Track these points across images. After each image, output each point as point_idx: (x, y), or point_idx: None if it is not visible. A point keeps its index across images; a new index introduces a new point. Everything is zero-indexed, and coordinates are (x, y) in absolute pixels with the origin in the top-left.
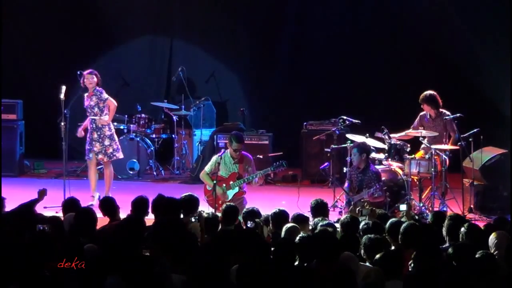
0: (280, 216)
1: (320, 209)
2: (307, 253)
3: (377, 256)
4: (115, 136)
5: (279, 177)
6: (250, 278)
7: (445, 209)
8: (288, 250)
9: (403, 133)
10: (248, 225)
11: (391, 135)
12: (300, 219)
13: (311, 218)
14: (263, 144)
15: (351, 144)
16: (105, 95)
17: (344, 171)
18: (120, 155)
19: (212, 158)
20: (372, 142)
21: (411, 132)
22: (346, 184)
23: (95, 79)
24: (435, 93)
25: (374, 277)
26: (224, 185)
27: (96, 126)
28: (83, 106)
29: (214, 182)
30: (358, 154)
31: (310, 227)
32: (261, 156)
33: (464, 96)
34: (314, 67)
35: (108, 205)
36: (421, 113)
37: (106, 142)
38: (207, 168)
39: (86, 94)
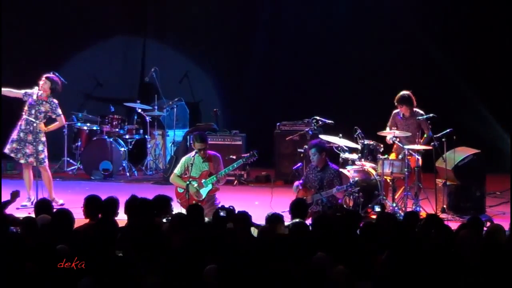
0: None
1: (299, 209)
2: (280, 253)
3: (347, 256)
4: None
5: (252, 178)
6: (225, 278)
7: (418, 209)
8: (262, 250)
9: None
10: (221, 214)
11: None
12: (274, 219)
13: (288, 219)
14: (236, 145)
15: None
16: (59, 111)
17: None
18: (46, 164)
19: (181, 160)
20: (345, 143)
21: (383, 132)
22: (298, 182)
23: (47, 85)
24: (410, 93)
25: (343, 278)
26: (196, 184)
27: (33, 129)
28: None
29: (187, 183)
30: (318, 154)
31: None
32: (234, 157)
33: (438, 96)
34: (288, 68)
35: (93, 205)
36: (394, 111)
37: (40, 148)
38: (177, 170)
39: (36, 93)
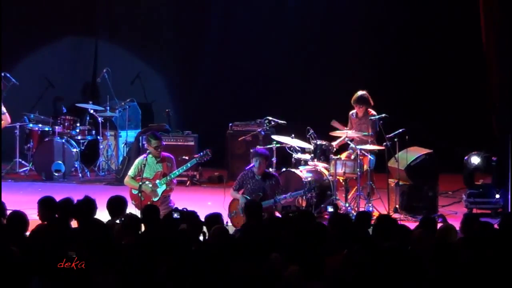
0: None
1: (253, 210)
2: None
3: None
4: None
5: (204, 178)
6: (177, 280)
7: (371, 209)
8: (214, 251)
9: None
10: (175, 216)
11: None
12: (213, 219)
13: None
14: (188, 145)
15: (260, 150)
16: (3, 109)
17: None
18: None
19: (135, 161)
20: (297, 143)
21: (335, 133)
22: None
23: None
24: (366, 93)
25: (293, 278)
26: (151, 184)
27: None
28: None
29: (140, 184)
30: (263, 163)
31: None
32: (187, 157)
33: (392, 96)
34: (240, 68)
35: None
36: (350, 112)
37: None
38: (131, 172)
39: None
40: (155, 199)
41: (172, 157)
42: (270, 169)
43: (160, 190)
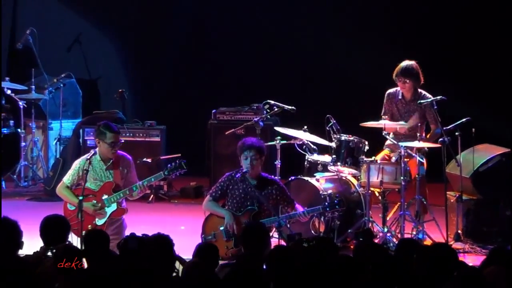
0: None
1: (253, 235)
2: None
3: None
4: None
5: (175, 191)
6: None
7: (421, 236)
8: None
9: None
10: (130, 245)
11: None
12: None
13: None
14: (152, 142)
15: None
16: None
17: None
18: None
19: (74, 164)
20: (312, 138)
21: (369, 123)
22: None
23: None
24: (416, 63)
25: None
26: (95, 201)
27: None
28: None
29: (80, 198)
30: (260, 159)
31: None
32: (149, 160)
33: (448, 73)
34: (227, 30)
35: None
36: (389, 91)
37: None
38: (67, 179)
39: None
40: (100, 222)
41: (130, 159)
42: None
43: (108, 210)
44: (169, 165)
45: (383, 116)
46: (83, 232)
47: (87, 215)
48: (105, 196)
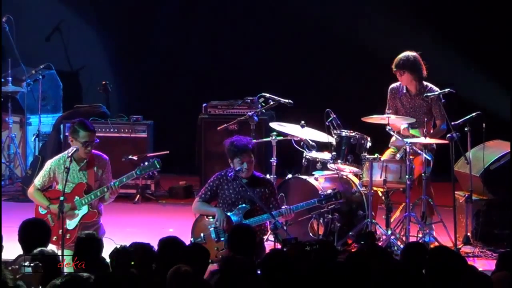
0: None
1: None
2: None
3: None
4: None
5: (163, 190)
6: None
7: (428, 239)
8: None
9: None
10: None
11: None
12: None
13: None
14: (138, 138)
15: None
16: None
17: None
18: None
19: (46, 165)
20: (311, 135)
21: (371, 118)
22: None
23: None
24: (417, 55)
25: None
26: (67, 204)
27: None
28: None
29: (61, 198)
30: (251, 159)
31: None
32: (135, 157)
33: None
34: (219, 19)
35: None
36: (392, 86)
37: None
38: (38, 180)
39: None
40: (71, 227)
41: (106, 160)
42: (268, 176)
43: (80, 213)
44: (141, 164)
45: (387, 111)
46: (55, 237)
47: (56, 220)
48: (76, 198)
